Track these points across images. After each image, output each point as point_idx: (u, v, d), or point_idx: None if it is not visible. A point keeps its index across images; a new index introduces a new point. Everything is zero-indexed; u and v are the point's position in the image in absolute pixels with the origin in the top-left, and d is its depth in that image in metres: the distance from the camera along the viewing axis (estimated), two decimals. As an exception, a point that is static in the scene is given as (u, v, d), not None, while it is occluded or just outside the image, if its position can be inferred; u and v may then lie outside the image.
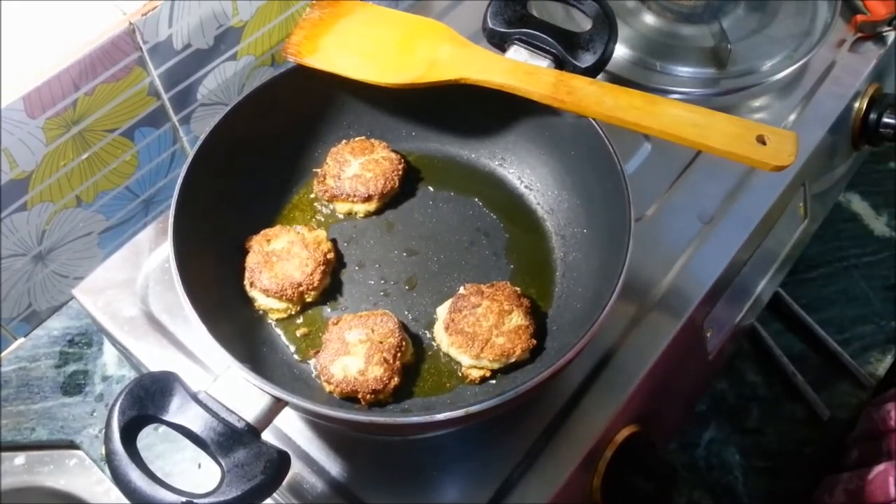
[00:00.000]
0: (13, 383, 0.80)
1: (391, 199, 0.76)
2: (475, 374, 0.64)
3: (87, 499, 0.76)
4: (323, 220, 0.75)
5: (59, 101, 0.71)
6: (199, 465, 0.74)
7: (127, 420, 0.50)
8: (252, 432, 0.52)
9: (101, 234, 0.84)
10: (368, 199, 0.74)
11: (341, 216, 0.75)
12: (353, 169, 0.74)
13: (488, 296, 0.65)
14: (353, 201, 0.74)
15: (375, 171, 0.74)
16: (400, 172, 0.75)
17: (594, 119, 0.66)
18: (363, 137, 0.77)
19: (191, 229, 0.62)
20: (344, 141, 0.77)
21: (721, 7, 0.99)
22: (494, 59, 0.69)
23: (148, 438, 0.74)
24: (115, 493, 0.75)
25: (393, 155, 0.75)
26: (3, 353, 0.82)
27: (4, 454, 0.77)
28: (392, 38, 0.71)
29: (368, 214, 0.75)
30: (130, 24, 0.72)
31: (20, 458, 0.78)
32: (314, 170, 0.76)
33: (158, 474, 0.49)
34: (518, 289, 0.67)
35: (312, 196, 0.76)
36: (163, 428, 0.52)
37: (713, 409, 0.94)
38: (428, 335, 0.68)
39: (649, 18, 0.99)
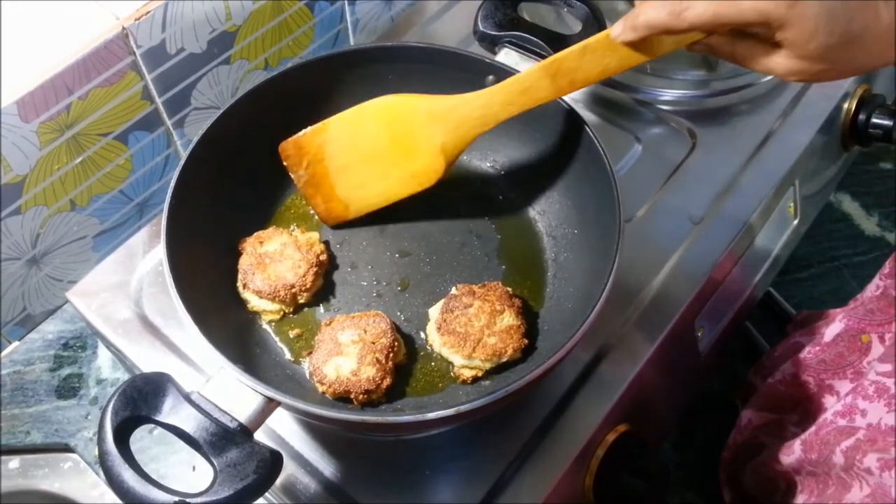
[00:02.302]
0: (7, 387, 0.81)
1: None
2: (467, 373, 0.65)
3: (81, 502, 0.76)
4: (316, 221, 0.75)
5: (53, 105, 0.71)
6: (194, 468, 0.74)
7: (120, 420, 0.50)
8: (244, 432, 0.52)
9: (95, 237, 0.84)
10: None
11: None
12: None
13: (480, 296, 0.66)
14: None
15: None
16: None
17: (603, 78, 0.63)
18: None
19: (184, 232, 0.63)
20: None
21: (711, 9, 1.00)
22: (484, 100, 0.65)
23: (142, 441, 0.74)
24: (110, 496, 0.75)
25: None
26: (-3, 357, 0.83)
27: (-1, 458, 0.78)
28: (384, 145, 0.69)
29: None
30: (124, 28, 0.72)
31: (15, 462, 0.78)
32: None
33: (153, 477, 0.49)
34: (510, 289, 0.68)
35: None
36: (157, 430, 0.52)
37: (705, 408, 0.95)
38: (420, 336, 0.68)
39: (640, 21, 1.00)
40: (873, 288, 0.89)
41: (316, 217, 0.75)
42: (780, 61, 0.53)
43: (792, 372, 0.87)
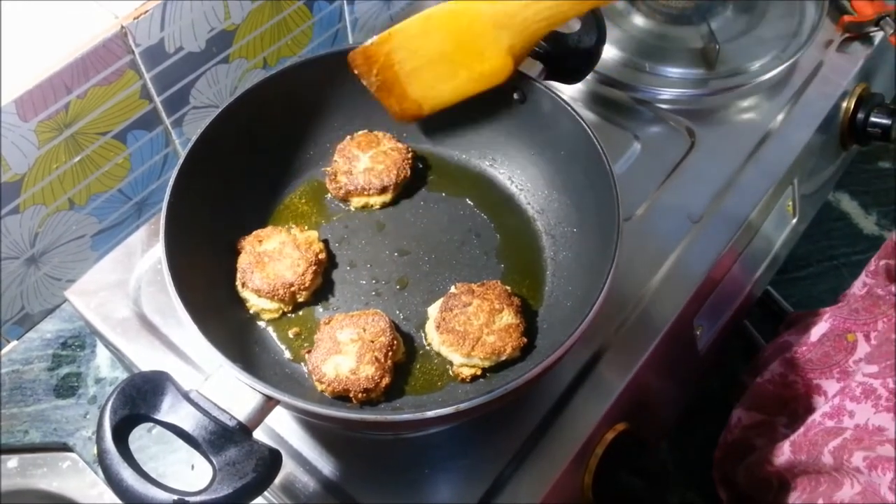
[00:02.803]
0: (6, 386, 0.80)
1: (403, 190, 0.76)
2: (466, 372, 0.65)
3: (80, 501, 0.76)
4: (315, 220, 0.75)
5: (52, 104, 0.71)
6: (193, 467, 0.74)
7: (119, 419, 0.50)
8: (243, 431, 0.52)
9: (93, 236, 0.84)
10: (384, 190, 0.74)
11: (338, 215, 0.76)
12: (364, 163, 0.74)
13: (479, 295, 0.66)
14: (368, 195, 0.74)
15: (387, 163, 0.74)
16: (410, 161, 0.76)
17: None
18: (365, 131, 0.77)
19: (183, 231, 0.63)
20: (348, 137, 0.77)
21: (710, 8, 1.00)
22: (550, 5, 0.65)
23: (141, 440, 0.74)
24: (109, 496, 0.75)
25: (400, 145, 0.76)
26: (-4, 356, 0.83)
27: (-3, 457, 0.78)
28: (452, 50, 0.70)
29: (385, 205, 0.76)
30: (122, 27, 0.72)
31: (13, 461, 0.78)
32: (324, 168, 0.77)
33: (152, 475, 0.49)
34: (509, 288, 0.68)
35: (305, 197, 0.76)
36: (156, 430, 0.52)
37: (704, 407, 0.95)
38: (419, 334, 0.68)
39: (638, 20, 1.00)
40: (860, 285, 0.90)
41: (313, 216, 0.75)
42: None
43: (780, 372, 0.88)
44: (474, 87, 0.71)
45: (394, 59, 0.70)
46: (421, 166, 0.79)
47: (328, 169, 0.76)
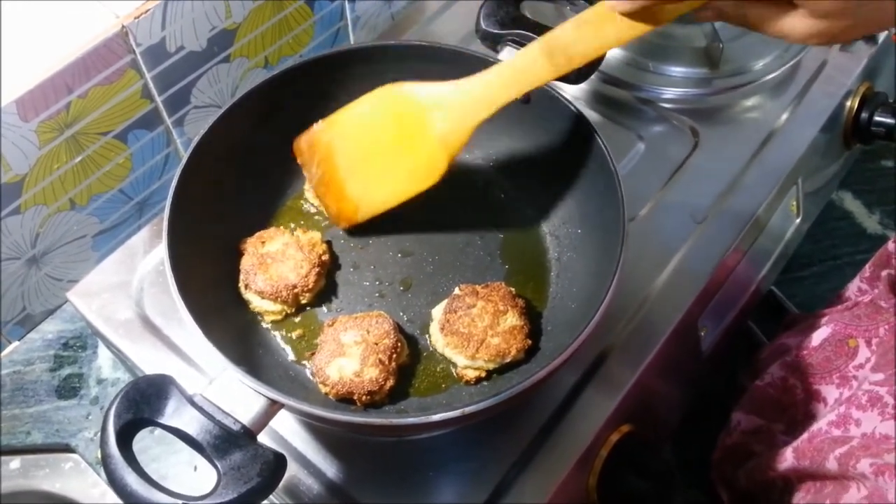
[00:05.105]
0: (8, 387, 0.80)
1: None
2: (471, 374, 0.65)
3: (82, 502, 0.76)
4: (318, 221, 0.75)
5: (53, 104, 0.70)
6: (195, 468, 0.73)
7: (122, 423, 0.50)
8: (248, 435, 0.52)
9: (94, 237, 0.84)
10: None
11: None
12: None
13: (483, 296, 0.66)
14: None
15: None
16: None
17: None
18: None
19: (185, 232, 0.62)
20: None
21: (713, 7, 1.00)
22: (482, 84, 0.64)
23: (144, 441, 0.74)
24: (111, 497, 0.75)
25: None
26: (-3, 357, 0.82)
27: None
28: (389, 138, 0.68)
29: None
30: (123, 27, 0.72)
31: (15, 462, 0.77)
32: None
33: (154, 477, 0.49)
34: (513, 289, 0.67)
35: (307, 197, 0.76)
36: (158, 431, 0.52)
37: (708, 407, 0.94)
38: (423, 336, 0.68)
39: (642, 18, 0.99)
40: (854, 289, 0.90)
41: (317, 216, 0.75)
42: (796, 23, 0.48)
43: (780, 375, 0.88)
44: (409, 187, 0.68)
45: (334, 148, 0.69)
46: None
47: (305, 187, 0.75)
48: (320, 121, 0.69)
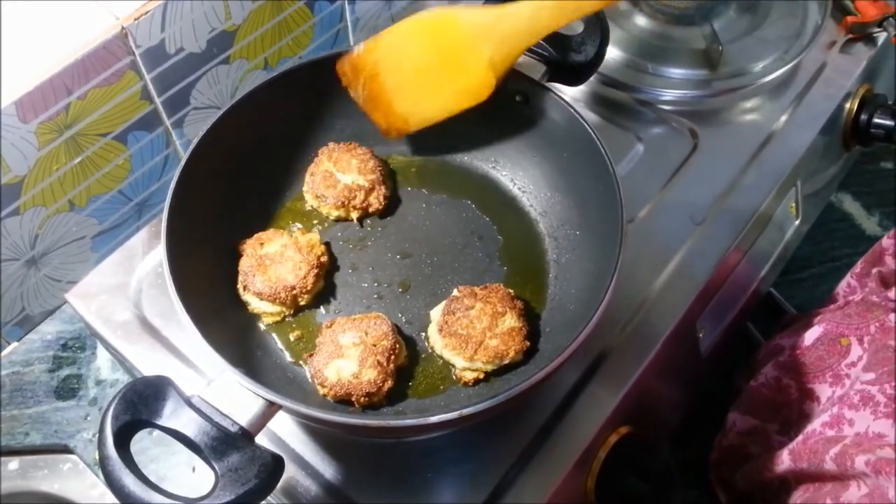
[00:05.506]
0: (7, 388, 0.80)
1: (388, 201, 0.76)
2: (469, 375, 0.65)
3: (81, 503, 0.76)
4: (316, 223, 0.75)
5: (52, 105, 0.70)
6: (194, 469, 0.73)
7: (120, 425, 0.50)
8: (246, 436, 0.52)
9: (94, 238, 0.84)
10: (355, 208, 0.74)
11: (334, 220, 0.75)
12: (340, 179, 0.73)
13: (482, 298, 0.66)
14: (332, 208, 0.74)
15: (358, 182, 0.73)
16: (381, 176, 0.75)
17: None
18: (343, 143, 0.76)
19: (184, 233, 0.62)
20: (321, 151, 0.76)
21: (713, 9, 1.00)
22: (531, 10, 0.63)
23: (142, 442, 0.74)
24: (110, 497, 0.75)
25: (371, 162, 0.75)
26: (-4, 358, 0.82)
27: (-2, 459, 0.77)
28: (433, 61, 0.68)
29: (378, 211, 0.75)
30: (123, 28, 0.72)
31: (14, 463, 0.77)
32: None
33: (152, 478, 0.49)
34: (511, 291, 0.67)
35: (305, 199, 0.76)
36: (157, 432, 0.52)
37: (707, 408, 0.94)
38: (422, 337, 0.68)
39: (641, 20, 1.00)
40: (844, 285, 0.90)
41: (316, 218, 0.75)
42: None
43: (774, 375, 0.88)
44: (459, 104, 0.69)
45: (379, 69, 0.69)
46: (414, 178, 0.78)
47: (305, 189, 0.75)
48: (362, 43, 0.69)
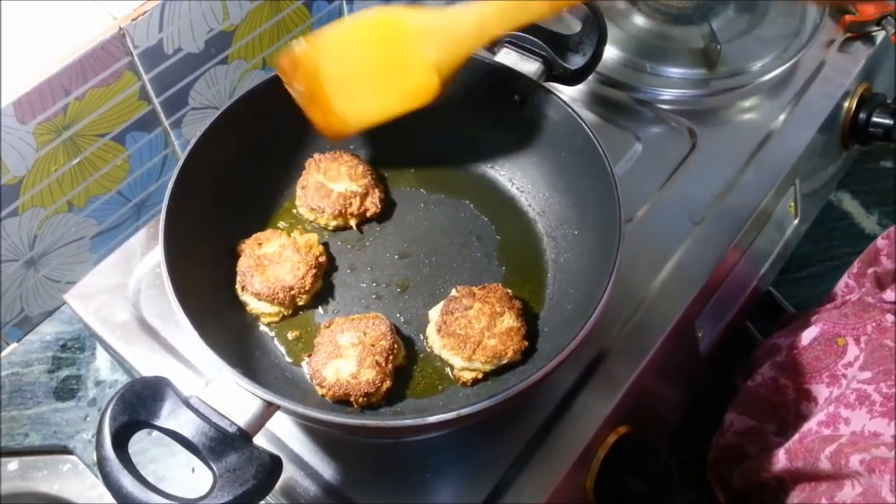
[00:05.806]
0: (6, 389, 0.80)
1: (384, 204, 0.76)
2: (467, 375, 0.65)
3: (80, 503, 0.76)
4: (314, 223, 0.75)
5: (50, 106, 0.70)
6: (193, 470, 0.73)
7: (118, 426, 0.50)
8: (244, 437, 0.52)
9: (92, 238, 0.84)
10: (352, 215, 0.74)
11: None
12: (333, 189, 0.73)
13: (480, 298, 0.66)
14: (331, 219, 0.74)
15: (351, 188, 0.73)
16: (372, 180, 0.75)
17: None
18: (328, 153, 0.76)
19: (182, 233, 0.63)
20: (308, 163, 0.76)
21: (711, 8, 1.00)
22: (477, 14, 0.62)
23: (141, 443, 0.74)
24: (109, 498, 0.74)
25: (360, 167, 0.75)
26: (-5, 359, 0.82)
27: (-3, 460, 0.77)
28: (376, 61, 0.67)
29: (363, 222, 0.75)
30: (120, 28, 0.72)
31: (13, 464, 0.77)
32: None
33: (151, 479, 0.49)
34: (510, 291, 0.67)
35: (297, 205, 0.75)
36: (156, 433, 0.52)
37: (706, 408, 0.94)
38: (420, 337, 0.68)
39: (639, 20, 1.00)
40: (842, 285, 0.90)
41: (315, 221, 0.75)
42: None
43: (771, 375, 0.88)
44: (401, 105, 0.67)
45: (318, 66, 0.67)
46: (412, 178, 0.78)
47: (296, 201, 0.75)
48: (303, 39, 0.67)
